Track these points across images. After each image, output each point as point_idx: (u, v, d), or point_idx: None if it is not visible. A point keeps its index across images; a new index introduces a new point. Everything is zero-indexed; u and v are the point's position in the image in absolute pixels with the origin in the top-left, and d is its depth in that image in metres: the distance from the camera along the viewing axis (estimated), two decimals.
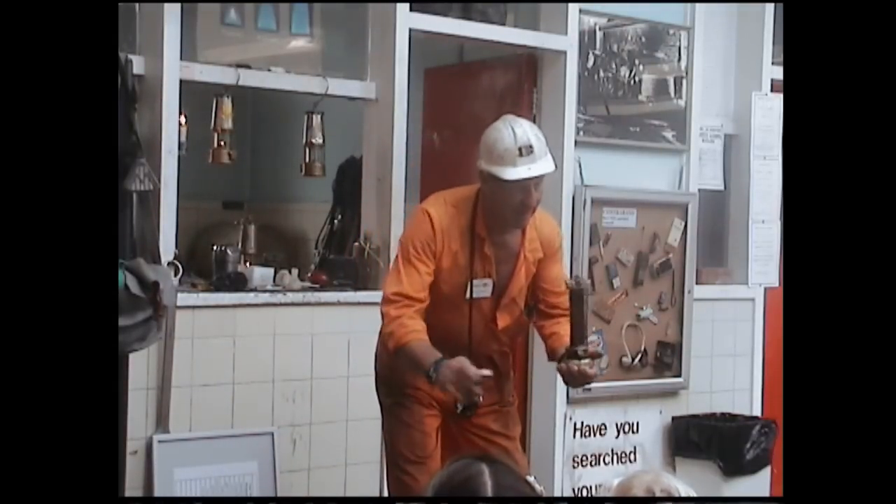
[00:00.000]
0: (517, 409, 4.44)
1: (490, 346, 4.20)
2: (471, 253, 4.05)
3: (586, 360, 4.02)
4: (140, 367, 4.55)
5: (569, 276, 4.26)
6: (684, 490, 2.20)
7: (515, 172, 3.94)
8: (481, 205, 4.07)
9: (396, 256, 4.15)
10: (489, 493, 2.12)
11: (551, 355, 4.22)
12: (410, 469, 4.09)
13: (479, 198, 4.08)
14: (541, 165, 3.98)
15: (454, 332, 4.09)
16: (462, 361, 3.84)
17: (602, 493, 2.21)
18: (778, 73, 6.24)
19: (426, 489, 2.22)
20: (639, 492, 2.19)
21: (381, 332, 4.11)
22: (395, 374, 4.12)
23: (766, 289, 6.38)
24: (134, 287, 4.22)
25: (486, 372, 3.87)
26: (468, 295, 4.07)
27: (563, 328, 4.12)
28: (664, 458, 5.95)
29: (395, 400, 4.16)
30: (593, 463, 5.75)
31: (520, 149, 3.95)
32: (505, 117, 4.10)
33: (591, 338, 5.68)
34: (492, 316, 4.13)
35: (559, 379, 5.53)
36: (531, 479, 2.25)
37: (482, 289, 4.08)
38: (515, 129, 3.99)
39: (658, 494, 2.17)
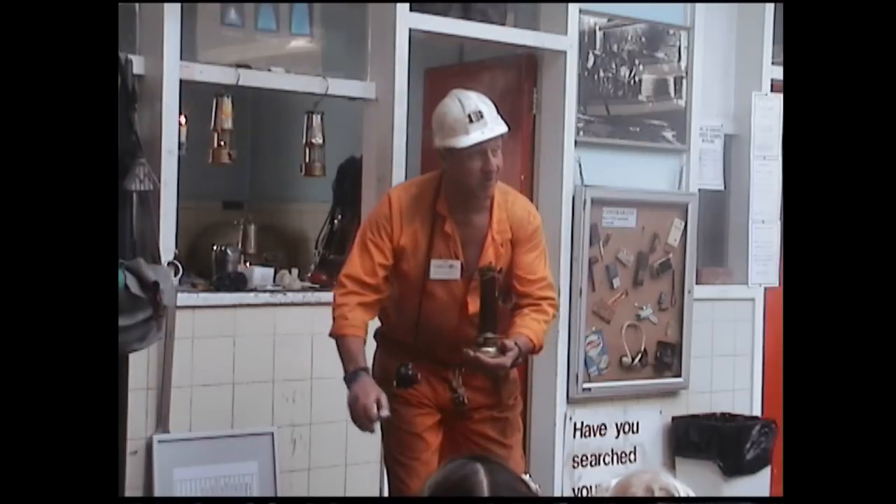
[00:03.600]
0: (519, 413, 4.32)
1: (467, 331, 4.04)
2: (431, 232, 4.03)
3: (489, 349, 3.93)
4: (140, 367, 4.55)
5: (538, 268, 4.17)
6: (683, 489, 2.20)
7: (469, 139, 3.94)
8: (444, 185, 4.06)
9: (358, 233, 4.16)
10: (485, 490, 2.13)
11: None
12: (402, 470, 4.08)
13: (443, 178, 4.07)
14: (493, 128, 3.97)
15: (424, 316, 4.06)
16: (368, 394, 3.87)
17: (600, 493, 2.21)
18: (778, 73, 6.24)
19: (422, 489, 2.22)
20: (638, 491, 2.18)
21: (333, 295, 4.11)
22: (385, 374, 4.11)
23: (766, 289, 6.38)
24: (134, 287, 4.22)
25: (385, 413, 3.86)
26: (429, 275, 4.03)
27: (523, 320, 4.04)
28: (664, 458, 5.95)
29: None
30: (593, 463, 5.74)
31: (469, 116, 3.95)
32: (451, 92, 4.10)
33: (591, 338, 5.70)
34: (463, 300, 4.06)
35: (559, 379, 5.60)
36: (526, 477, 2.26)
37: (448, 270, 4.04)
38: (462, 99, 4.00)
39: (657, 493, 2.17)
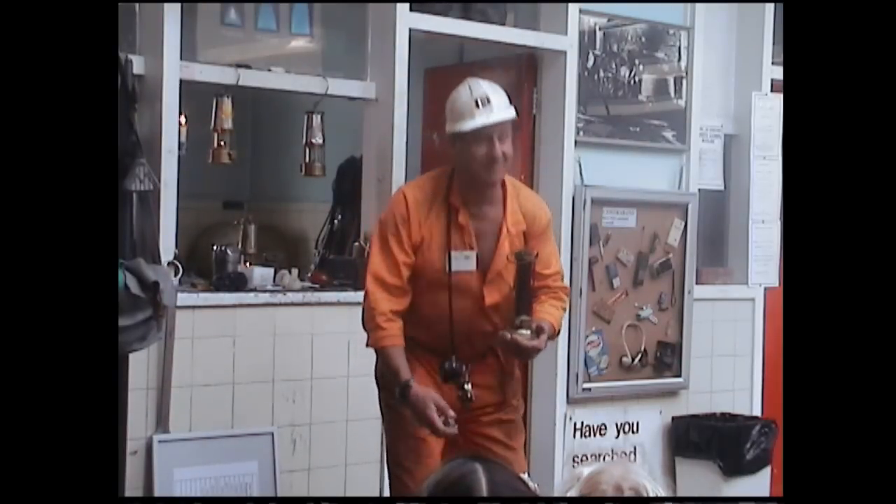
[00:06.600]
0: (521, 415, 4.34)
1: (482, 325, 4.08)
2: (447, 223, 4.05)
3: (525, 332, 3.96)
4: (140, 367, 4.55)
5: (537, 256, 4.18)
6: (653, 488, 2.18)
7: (474, 122, 3.99)
8: (456, 177, 4.09)
9: (374, 236, 4.17)
10: (483, 489, 2.12)
11: None
12: (404, 473, 4.06)
13: (454, 171, 4.10)
14: (499, 114, 4.02)
15: (441, 310, 4.06)
16: (428, 409, 3.88)
17: (570, 481, 2.18)
18: (778, 73, 6.24)
19: (422, 489, 2.22)
20: (608, 489, 2.16)
21: (363, 304, 4.10)
22: (391, 373, 4.10)
23: (766, 289, 6.38)
24: (134, 287, 4.22)
25: (452, 424, 3.90)
26: (448, 267, 4.04)
27: (542, 307, 4.07)
28: (664, 458, 5.95)
29: (389, 401, 4.13)
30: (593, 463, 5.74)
31: (476, 101, 4.01)
32: (465, 79, 4.14)
33: (591, 337, 5.70)
34: (479, 292, 4.07)
35: (559, 379, 5.60)
36: (525, 476, 2.25)
37: (464, 261, 4.05)
38: (472, 86, 4.06)
39: (626, 493, 2.14)
